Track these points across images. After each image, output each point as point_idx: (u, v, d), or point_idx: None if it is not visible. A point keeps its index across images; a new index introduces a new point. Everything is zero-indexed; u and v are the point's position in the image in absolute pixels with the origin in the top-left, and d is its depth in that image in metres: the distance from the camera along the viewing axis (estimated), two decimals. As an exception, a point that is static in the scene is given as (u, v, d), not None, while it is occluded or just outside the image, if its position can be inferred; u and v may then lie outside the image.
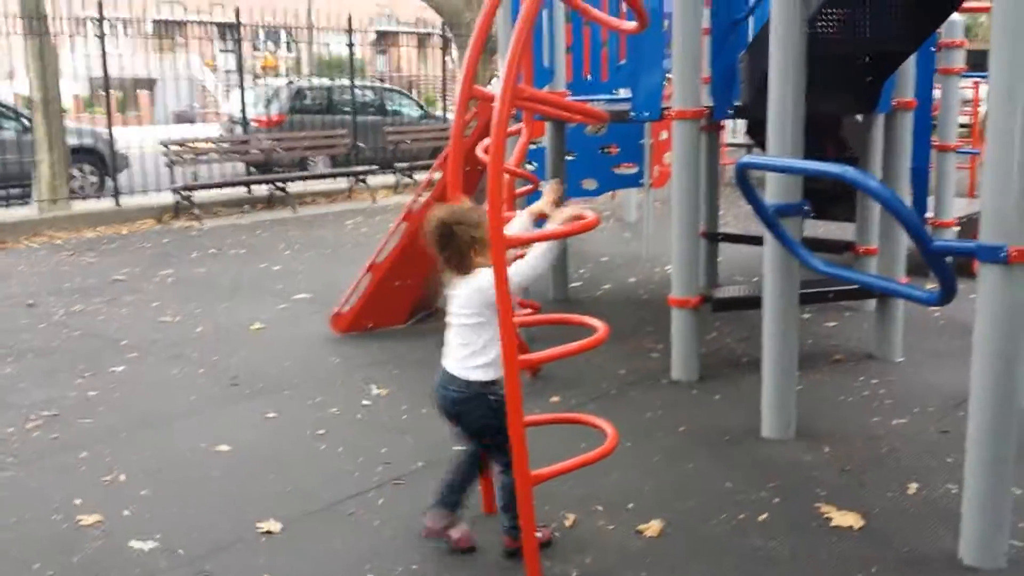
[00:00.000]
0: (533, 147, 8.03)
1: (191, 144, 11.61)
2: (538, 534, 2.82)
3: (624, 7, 5.74)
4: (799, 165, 3.33)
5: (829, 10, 3.99)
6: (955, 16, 6.53)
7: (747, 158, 3.43)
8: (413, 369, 4.97)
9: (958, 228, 7.02)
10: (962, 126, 11.78)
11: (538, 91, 2.98)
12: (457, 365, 2.88)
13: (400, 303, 5.74)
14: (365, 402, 4.45)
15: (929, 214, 6.91)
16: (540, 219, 3.08)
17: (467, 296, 2.83)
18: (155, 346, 5.50)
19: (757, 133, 6.52)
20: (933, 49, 6.55)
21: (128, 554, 3.02)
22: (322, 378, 4.84)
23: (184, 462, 3.78)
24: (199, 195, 11.01)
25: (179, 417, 4.31)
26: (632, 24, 3.34)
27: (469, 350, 2.84)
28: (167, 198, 10.98)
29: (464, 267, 2.82)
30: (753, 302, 4.63)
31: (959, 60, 6.90)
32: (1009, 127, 2.60)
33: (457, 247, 2.80)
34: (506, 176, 4.15)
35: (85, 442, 4.00)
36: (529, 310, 4.61)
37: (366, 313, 5.64)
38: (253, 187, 12.04)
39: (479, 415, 2.86)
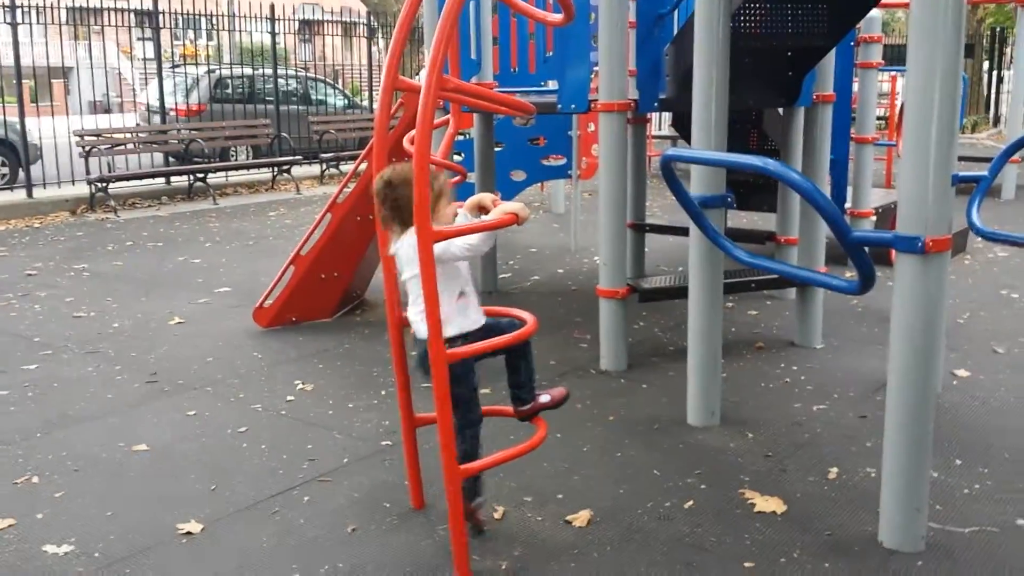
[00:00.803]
0: (461, 138, 8.02)
1: (107, 134, 11.25)
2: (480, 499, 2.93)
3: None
4: (722, 158, 3.37)
5: (752, 5, 4.05)
6: (874, 12, 6.70)
7: (672, 151, 3.46)
8: (338, 363, 4.90)
9: (875, 217, 7.21)
10: (879, 118, 12.16)
11: (464, 83, 2.94)
12: (417, 322, 2.88)
13: (325, 296, 5.65)
14: (289, 398, 4.37)
15: (848, 204, 7.09)
16: (479, 214, 3.08)
17: (410, 251, 2.78)
18: (70, 342, 5.31)
19: (682, 126, 6.60)
20: (852, 44, 6.72)
21: (42, 559, 2.90)
22: (244, 374, 4.74)
23: (101, 462, 3.65)
24: (116, 187, 10.68)
25: (95, 416, 4.17)
26: (558, 16, 3.33)
27: (419, 307, 2.81)
28: (82, 190, 10.60)
29: (407, 223, 2.81)
30: (679, 292, 4.70)
31: (877, 55, 7.09)
32: (925, 120, 2.66)
33: (402, 205, 2.80)
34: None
35: (-5, 444, 3.84)
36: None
37: (290, 307, 5.54)
38: (172, 178, 11.72)
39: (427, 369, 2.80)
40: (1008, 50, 20.27)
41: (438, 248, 2.70)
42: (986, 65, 22.27)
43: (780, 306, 5.86)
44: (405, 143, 4.28)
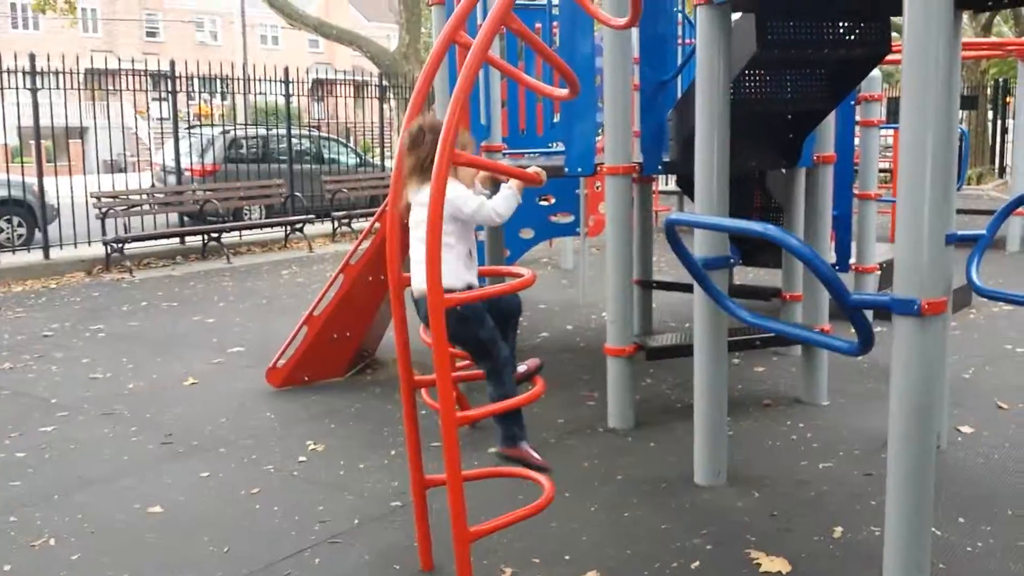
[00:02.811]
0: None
1: (123, 196, 11.48)
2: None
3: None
4: (724, 223, 3.46)
5: (751, 72, 4.18)
6: (874, 72, 6.84)
7: (675, 215, 3.55)
8: (350, 423, 4.96)
9: (879, 273, 7.28)
10: (883, 171, 12.27)
11: (474, 157, 3.05)
12: (419, 280, 2.97)
13: (338, 356, 5.73)
14: (301, 458, 4.43)
15: (852, 259, 7.16)
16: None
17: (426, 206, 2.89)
18: (86, 404, 5.39)
19: (686, 185, 6.72)
20: (853, 103, 6.86)
21: (58, 623, 2.95)
22: (257, 434, 4.80)
23: (117, 525, 3.71)
24: (131, 247, 10.85)
25: (111, 478, 4.23)
26: (564, 91, 3.47)
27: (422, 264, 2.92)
28: (98, 250, 10.78)
29: (429, 173, 2.88)
30: (685, 350, 4.76)
31: (878, 113, 7.22)
32: (918, 183, 2.74)
33: (428, 151, 2.92)
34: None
35: (14, 505, 3.91)
36: (468, 361, 4.65)
37: (302, 366, 5.62)
38: (187, 238, 11.91)
39: (450, 327, 2.88)
40: (1012, 100, 20.46)
41: (473, 205, 2.96)
42: (990, 115, 22.43)
43: (786, 362, 5.91)
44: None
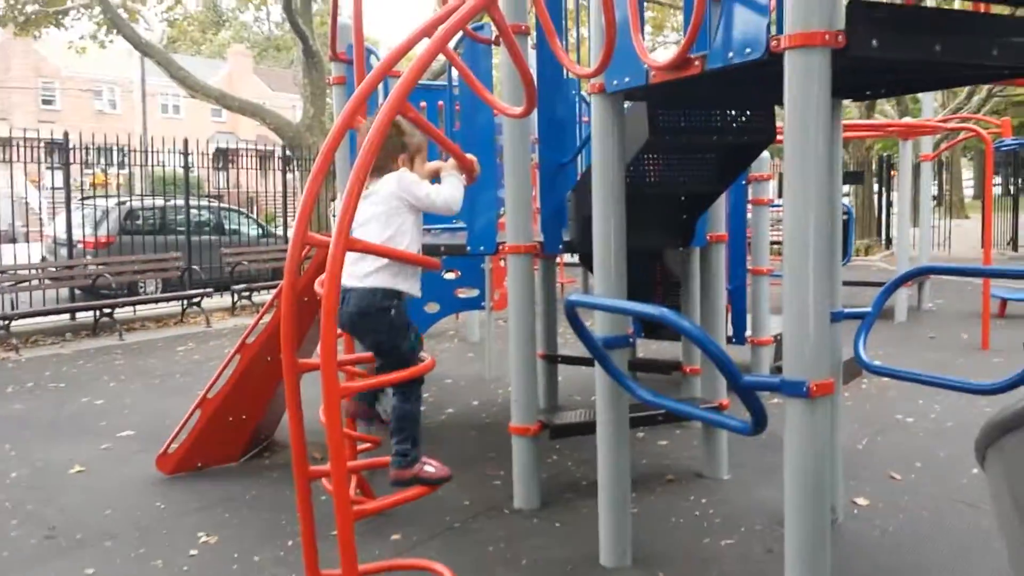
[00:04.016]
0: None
1: (11, 271, 11.01)
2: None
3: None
4: (622, 305, 3.51)
5: (645, 157, 4.30)
6: (764, 153, 7.14)
7: (575, 296, 3.60)
8: (244, 511, 4.77)
9: (774, 345, 7.48)
10: (775, 243, 12.73)
11: (371, 244, 3.03)
12: (354, 274, 3.06)
13: (232, 439, 5.53)
14: (192, 552, 4.22)
15: (748, 332, 7.36)
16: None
17: (378, 195, 3.13)
18: (-41, 497, 5.06)
19: (588, 262, 6.82)
20: (744, 182, 7.13)
21: None
22: (146, 526, 4.57)
23: (-14, 633, 3.45)
24: (18, 323, 10.37)
25: (-17, 579, 3.96)
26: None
27: (375, 260, 3.06)
28: (-19, 327, 10.27)
29: (384, 170, 3.14)
30: (588, 428, 4.76)
31: (768, 191, 7.51)
32: (802, 267, 2.83)
33: (387, 148, 3.04)
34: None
35: None
36: (369, 444, 4.56)
37: (195, 451, 5.40)
38: (78, 313, 11.45)
39: (376, 328, 3.10)
40: (896, 174, 21.58)
41: (427, 188, 3.14)
42: (876, 188, 23.60)
43: (689, 435, 5.98)
44: (316, 286, 4.35)
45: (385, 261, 3.07)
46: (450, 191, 3.24)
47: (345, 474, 2.65)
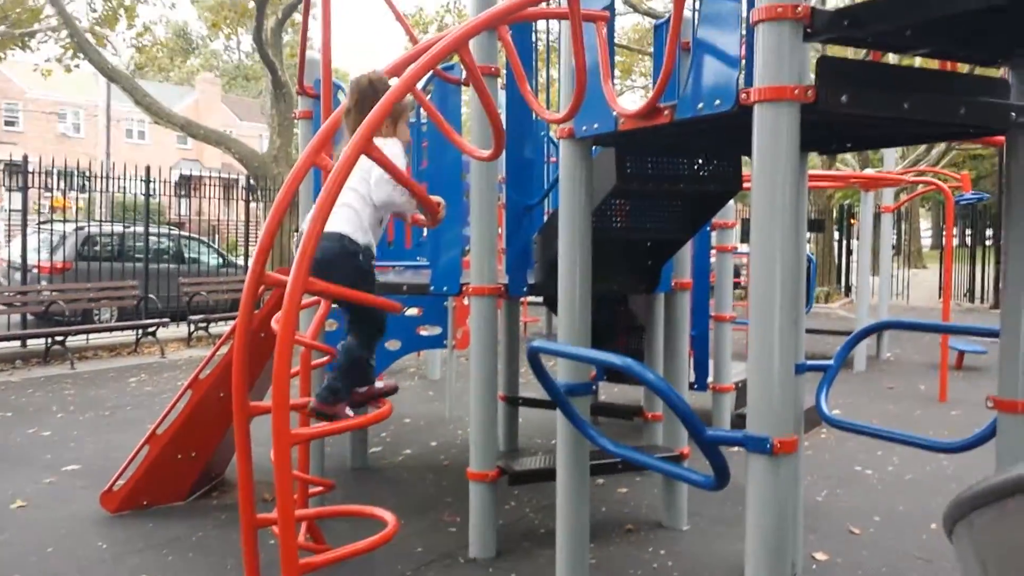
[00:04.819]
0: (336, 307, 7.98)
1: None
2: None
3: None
4: (586, 354, 3.45)
5: (612, 202, 4.27)
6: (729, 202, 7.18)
7: (538, 343, 3.53)
8: (189, 554, 4.60)
9: (735, 392, 7.47)
10: (739, 286, 12.80)
11: (329, 284, 2.96)
12: (329, 223, 3.09)
13: (180, 478, 5.35)
14: (134, 597, 4.05)
15: (710, 378, 7.34)
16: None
17: (365, 166, 3.20)
18: None
19: (552, 304, 6.78)
20: (708, 228, 7.14)
21: None
22: (87, 567, 4.38)
23: None
24: (-36, 349, 10.08)
25: (-93, 624, 3.76)
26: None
27: (348, 210, 3.28)
28: (-75, 352, 9.97)
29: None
30: (548, 474, 4.68)
31: (731, 239, 7.54)
32: (769, 324, 2.79)
33: (366, 108, 3.13)
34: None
35: None
36: (321, 488, 4.43)
37: (142, 489, 5.22)
38: (28, 340, 11.15)
39: (344, 272, 3.20)
40: (856, 223, 21.89)
41: (383, 196, 3.28)
42: (836, 236, 23.95)
43: (649, 483, 5.90)
44: (273, 323, 4.25)
45: (358, 216, 3.32)
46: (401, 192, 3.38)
47: (293, 524, 2.54)
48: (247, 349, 3.04)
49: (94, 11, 18.12)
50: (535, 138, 5.24)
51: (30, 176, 11.90)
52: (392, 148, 3.31)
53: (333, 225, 3.24)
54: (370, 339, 3.39)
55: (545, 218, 5.24)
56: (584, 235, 3.85)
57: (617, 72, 23.35)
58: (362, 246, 3.35)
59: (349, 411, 3.34)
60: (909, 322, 5.99)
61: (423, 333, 8.57)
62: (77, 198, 19.96)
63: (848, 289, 22.65)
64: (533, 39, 5.30)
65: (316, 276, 3.14)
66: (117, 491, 5.20)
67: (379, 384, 3.50)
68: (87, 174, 13.55)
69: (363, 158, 3.11)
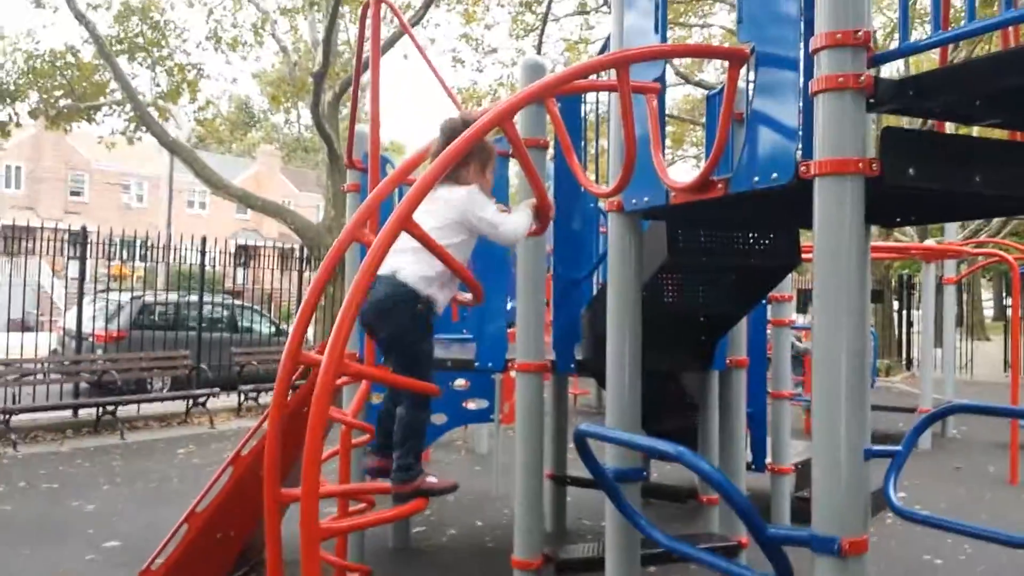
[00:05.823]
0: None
1: (15, 363, 10.86)
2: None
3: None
4: (635, 441, 3.27)
5: (663, 277, 4.12)
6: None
7: (585, 426, 3.34)
8: (227, 640, 4.44)
9: (795, 474, 7.13)
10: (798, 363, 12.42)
11: (363, 367, 2.84)
12: (393, 264, 2.93)
13: (220, 558, 5.21)
14: None
15: (768, 459, 7.02)
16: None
17: (443, 201, 3.05)
18: (-76, 610, 4.76)
19: (600, 379, 6.59)
20: (765, 302, 6.91)
21: None
22: (118, 653, 4.25)
23: None
24: (18, 418, 10.15)
25: None
26: (468, 296, 3.36)
27: (415, 256, 2.96)
28: (-20, 421, 10.05)
29: (456, 175, 3.07)
30: (597, 564, 4.43)
31: (788, 313, 7.29)
32: (835, 410, 2.59)
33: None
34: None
35: None
36: (357, 575, 4.25)
37: (180, 569, 5.07)
38: (80, 410, 11.22)
39: (398, 320, 2.98)
40: (916, 292, 21.31)
41: (489, 212, 3.10)
42: (896, 306, 23.31)
43: (704, 571, 5.60)
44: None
45: (424, 264, 3.01)
46: (516, 220, 3.20)
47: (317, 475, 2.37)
48: (280, 430, 2.92)
49: (158, 85, 18.71)
50: (584, 210, 5.13)
51: (89, 246, 12.13)
52: (476, 196, 3.15)
53: (397, 273, 3.04)
54: (424, 399, 3.18)
55: (594, 291, 5.09)
56: (634, 311, 3.70)
57: (668, 142, 23.34)
58: (423, 296, 3.05)
59: (432, 478, 3.10)
60: (980, 406, 5.67)
61: (470, 407, 8.41)
62: (133, 267, 20.37)
63: (909, 362, 21.94)
64: (582, 110, 5.22)
65: (369, 323, 3.05)
66: (155, 570, 5.07)
67: (432, 479, 3.14)
68: (146, 243, 13.81)
69: (442, 190, 3.02)
